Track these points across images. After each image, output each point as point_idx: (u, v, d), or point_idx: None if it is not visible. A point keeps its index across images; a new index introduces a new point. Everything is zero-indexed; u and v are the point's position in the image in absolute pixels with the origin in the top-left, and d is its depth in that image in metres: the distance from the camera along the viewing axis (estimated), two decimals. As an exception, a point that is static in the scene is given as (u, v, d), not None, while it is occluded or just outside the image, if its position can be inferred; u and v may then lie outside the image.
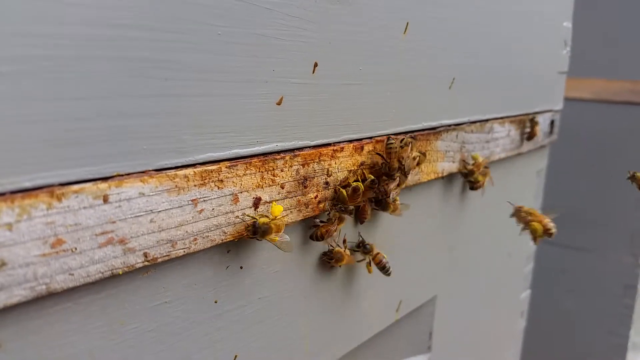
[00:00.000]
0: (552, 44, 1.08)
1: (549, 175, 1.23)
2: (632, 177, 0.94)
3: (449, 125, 0.79)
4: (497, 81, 0.90)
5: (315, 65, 0.56)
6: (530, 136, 1.01)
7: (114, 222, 0.40)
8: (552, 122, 1.13)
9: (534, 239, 0.86)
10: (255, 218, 0.51)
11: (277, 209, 0.53)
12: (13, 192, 0.36)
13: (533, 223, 0.84)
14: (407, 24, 0.67)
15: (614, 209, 1.78)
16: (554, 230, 0.85)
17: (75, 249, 0.38)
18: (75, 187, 0.38)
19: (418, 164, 0.71)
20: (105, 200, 0.39)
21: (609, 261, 1.83)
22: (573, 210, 1.83)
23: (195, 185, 0.46)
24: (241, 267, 0.54)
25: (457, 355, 1.02)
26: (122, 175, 0.41)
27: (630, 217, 1.76)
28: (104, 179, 0.40)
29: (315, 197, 0.58)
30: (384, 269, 0.68)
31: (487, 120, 0.88)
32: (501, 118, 0.92)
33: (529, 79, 1.01)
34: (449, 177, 0.84)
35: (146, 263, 0.43)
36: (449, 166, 0.80)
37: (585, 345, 1.91)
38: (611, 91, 1.79)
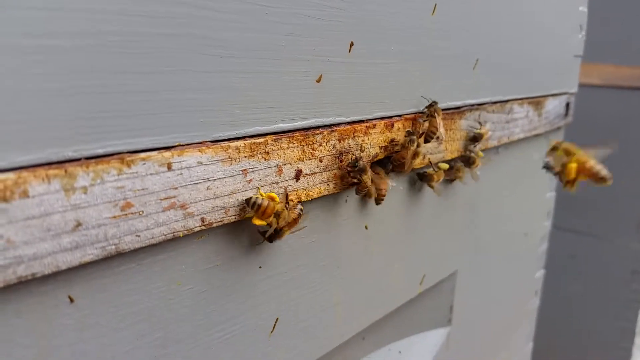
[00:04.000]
0: (569, 28, 1.10)
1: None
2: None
3: (472, 105, 0.82)
4: (516, 63, 0.92)
5: (351, 44, 0.58)
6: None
7: (176, 188, 0.43)
8: (567, 105, 1.15)
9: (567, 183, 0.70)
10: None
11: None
12: (88, 158, 0.39)
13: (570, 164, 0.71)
14: (435, 5, 0.69)
15: (622, 196, 1.80)
16: (604, 173, 0.69)
17: (142, 212, 0.42)
18: (143, 154, 0.41)
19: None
20: (169, 167, 0.42)
21: (617, 247, 1.85)
22: (582, 197, 1.85)
23: (245, 157, 0.49)
24: (282, 236, 0.57)
25: (476, 329, 1.05)
26: (183, 145, 0.44)
27: (639, 203, 1.78)
28: (167, 148, 0.43)
29: (350, 171, 0.61)
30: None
31: (507, 101, 0.91)
32: (520, 99, 0.95)
33: (546, 61, 1.03)
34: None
35: (203, 227, 0.46)
36: (471, 145, 0.83)
37: (593, 329, 1.94)
38: (620, 77, 1.80)
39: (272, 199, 0.50)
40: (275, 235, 0.52)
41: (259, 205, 0.48)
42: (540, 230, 1.24)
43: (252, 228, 0.53)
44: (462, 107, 0.79)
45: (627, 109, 1.78)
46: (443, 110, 0.75)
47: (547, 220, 1.25)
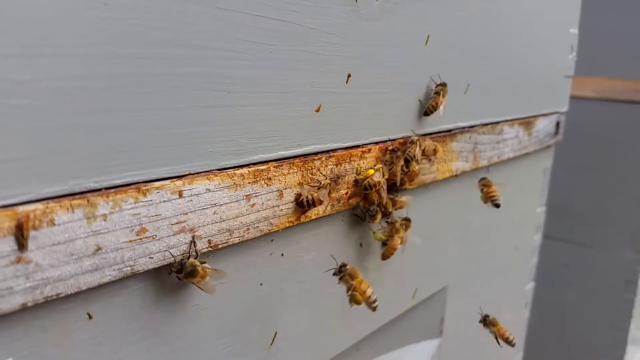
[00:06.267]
0: (559, 50, 1.14)
1: (552, 172, 1.29)
2: None
3: (463, 128, 0.86)
4: (507, 86, 0.96)
5: (349, 76, 0.62)
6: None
7: (186, 213, 0.47)
8: (557, 124, 1.20)
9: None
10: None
11: None
12: (107, 188, 0.43)
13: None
14: (428, 36, 0.73)
15: (616, 206, 1.83)
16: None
17: (155, 236, 0.45)
18: (157, 184, 0.45)
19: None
20: (180, 195, 0.46)
21: (611, 257, 1.88)
22: (575, 207, 1.88)
23: (249, 183, 0.53)
24: (282, 254, 0.61)
25: (466, 340, 1.09)
26: (193, 174, 0.48)
27: (632, 214, 1.81)
28: (179, 177, 0.47)
29: (346, 194, 0.65)
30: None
31: (497, 123, 0.95)
32: (510, 120, 0.99)
33: (536, 82, 1.07)
34: (462, 176, 0.91)
35: (209, 249, 0.50)
36: (463, 165, 0.87)
37: (586, 339, 1.96)
38: (614, 90, 1.84)
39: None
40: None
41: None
42: (531, 243, 1.28)
43: (254, 250, 0.57)
44: (453, 129, 0.83)
45: (620, 121, 1.82)
46: (435, 133, 0.79)
47: (537, 234, 1.29)
